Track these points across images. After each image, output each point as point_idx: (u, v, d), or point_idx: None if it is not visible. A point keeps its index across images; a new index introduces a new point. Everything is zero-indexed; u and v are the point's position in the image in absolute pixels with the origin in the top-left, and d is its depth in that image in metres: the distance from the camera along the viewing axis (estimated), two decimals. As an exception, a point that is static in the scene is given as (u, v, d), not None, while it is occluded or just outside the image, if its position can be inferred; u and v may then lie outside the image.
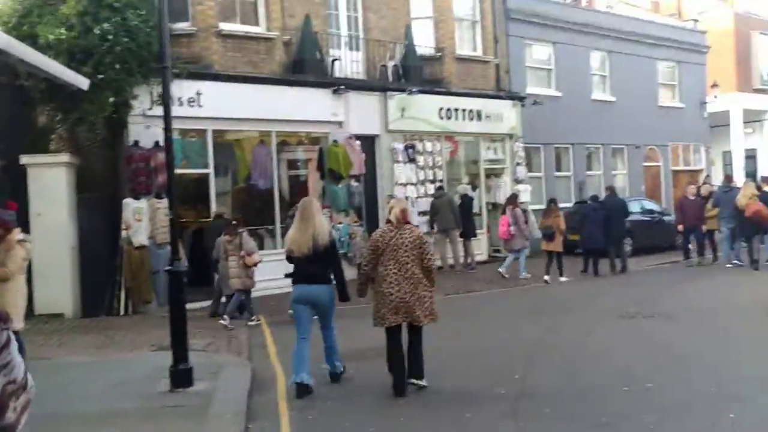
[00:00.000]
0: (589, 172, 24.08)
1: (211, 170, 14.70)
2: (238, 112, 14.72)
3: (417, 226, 7.93)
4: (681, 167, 27.56)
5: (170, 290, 7.66)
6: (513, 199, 17.19)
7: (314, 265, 7.43)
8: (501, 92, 20.10)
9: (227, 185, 16.36)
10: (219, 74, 14.58)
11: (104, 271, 13.37)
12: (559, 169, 23.13)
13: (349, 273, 16.30)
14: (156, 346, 9.70)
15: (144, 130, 13.57)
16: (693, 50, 27.82)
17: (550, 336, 9.75)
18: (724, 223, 17.07)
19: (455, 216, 17.04)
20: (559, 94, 22.66)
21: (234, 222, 12.31)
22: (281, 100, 15.34)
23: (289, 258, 7.63)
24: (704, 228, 17.61)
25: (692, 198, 17.82)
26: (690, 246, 18.18)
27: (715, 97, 28.25)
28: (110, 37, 12.70)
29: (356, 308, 9.24)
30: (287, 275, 7.87)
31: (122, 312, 13.20)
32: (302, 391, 7.24)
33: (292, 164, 17.22)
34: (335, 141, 16.11)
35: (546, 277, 15.76)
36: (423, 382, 7.26)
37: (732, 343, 8.88)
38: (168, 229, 13.59)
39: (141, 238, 13.38)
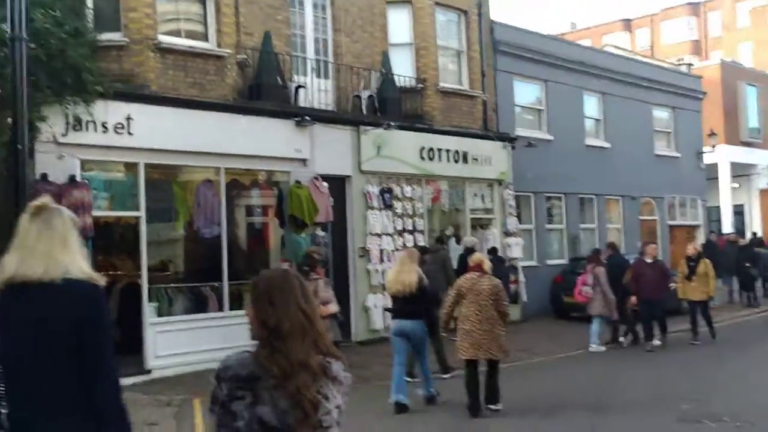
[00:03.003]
0: (582, 225, 21.66)
1: (142, 213, 11.85)
2: (179, 143, 11.99)
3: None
4: (678, 222, 25.29)
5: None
6: (596, 255, 14.58)
7: (410, 304, 8.84)
8: (489, 132, 17.64)
9: (166, 232, 13.56)
10: (155, 96, 11.88)
11: None
12: (550, 221, 20.65)
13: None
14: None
15: (55, 160, 10.76)
16: (689, 96, 25.83)
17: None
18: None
19: (448, 279, 12.37)
20: (551, 137, 20.32)
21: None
22: (233, 130, 12.66)
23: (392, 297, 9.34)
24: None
25: (650, 261, 14.23)
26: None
27: (713, 147, 26.22)
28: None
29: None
30: (386, 309, 9.83)
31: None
32: (400, 409, 8.74)
33: (246, 210, 14.46)
34: (298, 182, 13.42)
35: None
36: (498, 406, 8.65)
37: None
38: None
39: (45, 297, 10.46)
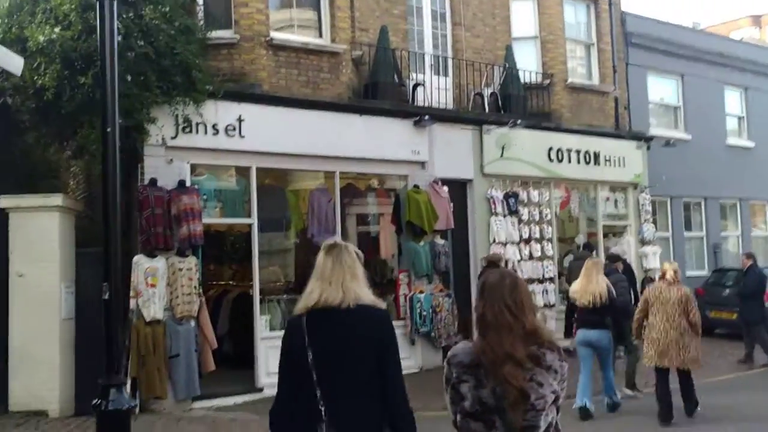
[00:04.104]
0: (723, 233, 19.72)
1: (254, 220, 11.17)
2: (292, 145, 11.25)
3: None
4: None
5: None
6: None
7: (594, 314, 8.99)
8: (622, 131, 16.15)
9: (278, 241, 12.89)
10: (268, 96, 11.17)
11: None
12: (688, 228, 18.86)
13: (437, 359, 12.42)
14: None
15: (164, 165, 10.22)
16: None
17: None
18: None
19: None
20: (689, 136, 18.55)
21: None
22: (348, 131, 11.84)
23: (571, 303, 9.57)
24: None
25: None
26: None
27: None
28: (120, 39, 9.40)
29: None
30: (573, 319, 9.60)
31: (126, 410, 9.68)
32: (585, 414, 8.86)
33: (360, 217, 13.58)
34: (416, 186, 12.46)
35: None
36: (697, 409, 8.79)
37: None
38: (192, 298, 10.39)
39: (154, 309, 9.86)
